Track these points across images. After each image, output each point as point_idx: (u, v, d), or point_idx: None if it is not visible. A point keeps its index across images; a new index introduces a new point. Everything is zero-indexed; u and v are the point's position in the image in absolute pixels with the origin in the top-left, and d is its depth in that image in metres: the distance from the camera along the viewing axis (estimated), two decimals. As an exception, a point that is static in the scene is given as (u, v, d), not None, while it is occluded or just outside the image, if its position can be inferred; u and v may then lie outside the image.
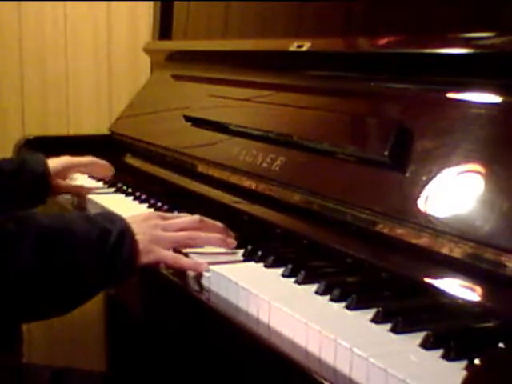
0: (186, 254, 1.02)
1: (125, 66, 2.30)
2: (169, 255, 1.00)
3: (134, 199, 1.44)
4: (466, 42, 0.93)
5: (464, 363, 0.66)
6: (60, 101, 2.27)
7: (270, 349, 0.82)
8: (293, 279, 0.92)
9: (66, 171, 1.48)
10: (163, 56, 1.88)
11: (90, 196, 1.46)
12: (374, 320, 0.78)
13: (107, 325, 1.98)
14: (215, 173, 1.34)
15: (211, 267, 0.97)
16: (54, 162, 1.45)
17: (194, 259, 1.01)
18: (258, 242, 1.05)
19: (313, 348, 0.76)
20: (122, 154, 1.78)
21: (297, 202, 1.10)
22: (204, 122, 1.45)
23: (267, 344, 0.82)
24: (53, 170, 1.42)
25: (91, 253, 0.94)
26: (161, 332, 1.32)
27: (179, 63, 1.81)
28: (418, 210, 0.88)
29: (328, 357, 0.73)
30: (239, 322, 0.87)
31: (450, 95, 0.96)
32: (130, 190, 1.50)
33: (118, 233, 0.96)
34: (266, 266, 0.98)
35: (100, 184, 1.58)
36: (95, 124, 2.21)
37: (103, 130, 1.91)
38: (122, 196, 1.49)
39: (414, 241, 0.88)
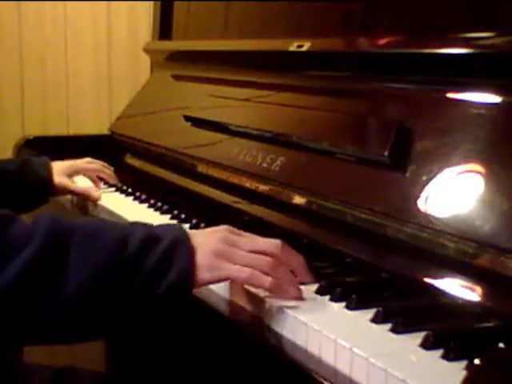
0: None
1: (125, 66, 2.30)
2: (242, 269, 0.81)
3: (134, 199, 1.44)
4: (465, 42, 0.93)
5: (464, 363, 0.66)
6: (60, 101, 2.27)
7: (269, 348, 0.82)
8: (293, 279, 0.91)
9: (72, 173, 1.49)
10: (163, 56, 1.88)
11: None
12: (374, 320, 0.77)
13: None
14: (215, 173, 1.34)
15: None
16: (61, 164, 1.47)
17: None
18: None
19: (313, 348, 0.76)
20: (122, 153, 1.78)
21: (297, 201, 1.09)
22: (204, 122, 1.45)
23: (267, 344, 0.83)
24: (60, 171, 1.44)
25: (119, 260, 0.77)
26: (161, 332, 1.32)
27: (179, 63, 1.81)
28: (418, 210, 0.88)
29: (328, 357, 0.73)
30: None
31: (450, 95, 0.96)
32: (129, 190, 1.50)
33: (172, 240, 0.80)
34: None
35: (100, 184, 1.58)
36: (95, 124, 2.21)
37: (103, 129, 1.91)
38: (122, 196, 1.49)
39: (413, 241, 0.88)
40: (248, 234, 0.88)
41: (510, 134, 0.86)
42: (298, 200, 1.09)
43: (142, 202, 1.41)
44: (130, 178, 1.59)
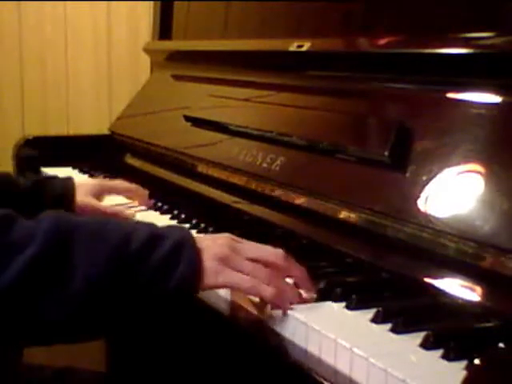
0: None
1: (125, 66, 2.30)
2: (245, 278, 0.80)
3: (134, 199, 1.44)
4: (465, 42, 0.93)
5: (464, 363, 0.66)
6: (60, 101, 2.27)
7: (269, 348, 0.82)
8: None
9: (100, 192, 1.34)
10: (163, 56, 1.88)
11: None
12: (374, 320, 0.78)
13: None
14: (215, 173, 1.34)
15: None
16: (88, 182, 1.38)
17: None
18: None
19: (313, 348, 0.76)
20: (122, 154, 1.78)
21: (297, 201, 1.09)
22: (204, 122, 1.45)
23: (267, 344, 0.83)
24: (86, 190, 1.30)
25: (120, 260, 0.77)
26: (161, 332, 1.32)
27: (179, 63, 1.81)
28: (418, 209, 0.88)
29: (328, 357, 0.73)
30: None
31: (450, 95, 0.96)
32: (130, 190, 1.49)
33: (177, 239, 0.79)
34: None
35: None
36: (95, 124, 2.21)
37: (103, 129, 1.91)
38: (122, 196, 1.49)
39: (413, 241, 0.88)
40: (250, 242, 0.87)
41: (510, 134, 0.86)
42: (298, 200, 1.09)
43: (142, 202, 1.41)
44: (130, 178, 1.59)
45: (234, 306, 0.89)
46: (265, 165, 1.18)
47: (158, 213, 1.31)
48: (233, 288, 0.84)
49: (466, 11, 0.98)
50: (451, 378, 0.63)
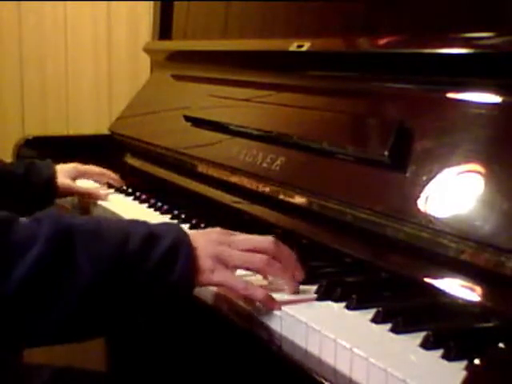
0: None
1: (125, 66, 2.30)
2: (238, 279, 0.84)
3: (134, 199, 1.44)
4: (465, 42, 0.93)
5: (464, 363, 0.66)
6: (60, 101, 2.28)
7: (269, 348, 0.82)
8: (293, 279, 0.92)
9: (76, 176, 1.50)
10: (163, 56, 1.88)
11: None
12: (374, 320, 0.78)
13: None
14: (215, 173, 1.34)
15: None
16: (64, 166, 1.47)
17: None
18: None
19: (313, 348, 0.76)
20: (121, 154, 1.78)
21: (297, 201, 1.09)
22: (204, 122, 1.45)
23: (267, 344, 0.83)
24: (63, 173, 1.44)
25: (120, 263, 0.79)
26: (161, 332, 1.32)
27: (179, 63, 1.81)
28: (418, 210, 0.88)
29: (328, 357, 0.73)
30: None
31: (450, 95, 0.96)
32: (129, 190, 1.50)
33: (173, 239, 0.81)
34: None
35: (99, 184, 1.58)
36: (95, 124, 2.22)
37: (103, 129, 1.91)
38: (122, 196, 1.49)
39: (413, 241, 0.88)
40: (239, 234, 0.90)
41: (510, 134, 0.85)
42: (298, 200, 1.09)
43: (142, 202, 1.41)
44: (129, 177, 1.59)
45: (233, 307, 0.89)
46: (265, 165, 1.18)
47: (157, 213, 1.31)
48: (226, 287, 0.86)
49: (466, 11, 0.98)
50: (451, 378, 0.63)
